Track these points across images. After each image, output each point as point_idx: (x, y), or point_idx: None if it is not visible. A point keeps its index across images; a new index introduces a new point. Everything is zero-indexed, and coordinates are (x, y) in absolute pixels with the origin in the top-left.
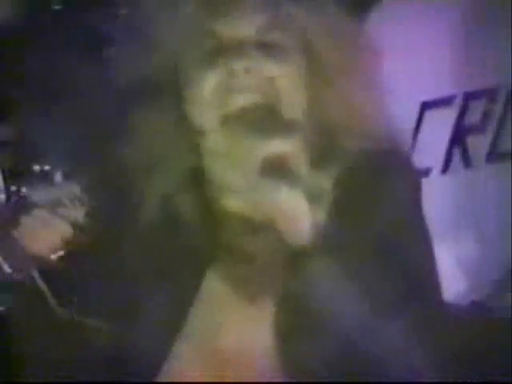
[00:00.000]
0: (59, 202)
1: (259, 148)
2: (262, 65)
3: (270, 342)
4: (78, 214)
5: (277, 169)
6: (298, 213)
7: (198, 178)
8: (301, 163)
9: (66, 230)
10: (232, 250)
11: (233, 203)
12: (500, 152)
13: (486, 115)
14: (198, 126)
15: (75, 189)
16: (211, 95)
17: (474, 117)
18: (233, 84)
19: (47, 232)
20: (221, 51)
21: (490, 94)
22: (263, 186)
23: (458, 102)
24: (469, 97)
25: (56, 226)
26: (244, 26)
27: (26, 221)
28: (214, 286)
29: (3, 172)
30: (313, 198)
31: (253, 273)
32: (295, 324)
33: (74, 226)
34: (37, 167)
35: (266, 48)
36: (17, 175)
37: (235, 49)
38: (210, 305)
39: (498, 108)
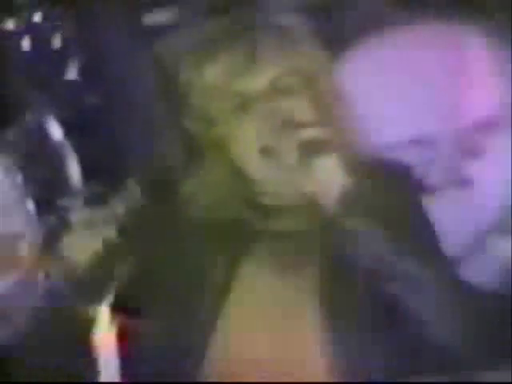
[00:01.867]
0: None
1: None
2: (284, 105)
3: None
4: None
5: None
6: (333, 179)
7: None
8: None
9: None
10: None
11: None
12: None
13: None
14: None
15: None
16: (255, 140)
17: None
18: (269, 125)
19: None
20: (248, 103)
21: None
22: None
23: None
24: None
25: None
26: (259, 80)
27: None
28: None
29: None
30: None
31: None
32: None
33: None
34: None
35: (283, 92)
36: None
37: (258, 98)
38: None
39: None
